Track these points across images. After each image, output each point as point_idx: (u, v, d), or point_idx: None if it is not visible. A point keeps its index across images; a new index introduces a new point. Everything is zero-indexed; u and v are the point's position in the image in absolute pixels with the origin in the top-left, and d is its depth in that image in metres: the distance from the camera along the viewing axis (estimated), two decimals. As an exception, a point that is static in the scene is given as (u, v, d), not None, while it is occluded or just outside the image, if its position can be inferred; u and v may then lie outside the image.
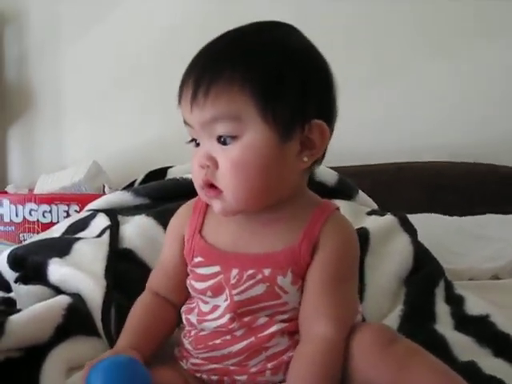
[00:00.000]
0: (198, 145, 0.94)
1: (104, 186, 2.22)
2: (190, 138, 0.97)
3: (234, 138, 0.90)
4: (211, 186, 0.92)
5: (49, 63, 2.62)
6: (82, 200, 1.95)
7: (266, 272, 0.94)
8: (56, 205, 2.10)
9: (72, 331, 1.07)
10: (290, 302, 0.94)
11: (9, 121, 2.67)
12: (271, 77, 0.90)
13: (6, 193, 2.29)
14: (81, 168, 2.31)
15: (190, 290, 1.01)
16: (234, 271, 0.95)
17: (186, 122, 0.94)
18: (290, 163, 0.93)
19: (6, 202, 2.12)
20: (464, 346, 1.12)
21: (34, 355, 1.01)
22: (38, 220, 2.09)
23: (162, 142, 2.41)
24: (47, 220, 2.05)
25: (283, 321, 0.95)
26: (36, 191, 2.28)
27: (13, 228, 2.09)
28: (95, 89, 2.58)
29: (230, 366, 0.95)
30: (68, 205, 2.07)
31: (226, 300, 0.95)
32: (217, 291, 0.96)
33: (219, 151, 0.91)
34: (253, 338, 0.94)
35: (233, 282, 0.95)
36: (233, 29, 0.97)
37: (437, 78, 2.40)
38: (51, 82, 2.64)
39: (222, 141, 0.90)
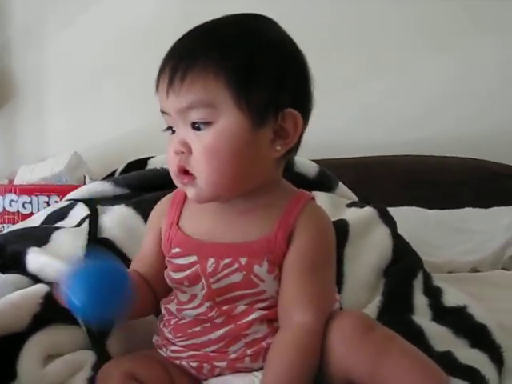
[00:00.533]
0: (173, 132, 0.96)
1: (85, 177, 2.21)
2: (166, 126, 0.98)
3: (207, 123, 0.91)
4: (185, 172, 0.94)
5: (31, 53, 2.58)
6: (63, 191, 1.93)
7: (243, 261, 0.95)
8: (36, 196, 2.09)
9: (50, 319, 1.06)
10: (267, 290, 0.95)
11: (-10, 111, 2.64)
12: (246, 65, 0.92)
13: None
14: (61, 159, 2.30)
15: (168, 281, 1.02)
16: (211, 260, 0.96)
17: (162, 111, 0.96)
18: (263, 151, 0.94)
19: (-14, 192, 2.11)
20: (441, 337, 1.13)
21: (11, 343, 1.00)
22: (18, 211, 2.07)
23: (143, 132, 2.38)
24: (27, 211, 2.03)
25: (262, 309, 0.95)
26: (16, 182, 2.26)
27: (-7, 218, 2.08)
28: (77, 79, 2.55)
29: (209, 353, 0.96)
30: (48, 196, 2.05)
31: (203, 289, 0.96)
32: (193, 280, 0.97)
33: (193, 137, 0.92)
34: (232, 325, 0.95)
35: (209, 270, 0.96)
36: (210, 20, 0.98)
37: (426, 73, 2.40)
38: (33, 72, 2.59)
39: (196, 127, 0.92)
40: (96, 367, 1.00)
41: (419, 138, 2.35)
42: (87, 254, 1.19)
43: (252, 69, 0.92)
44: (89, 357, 1.04)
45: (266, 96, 0.92)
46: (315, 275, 0.94)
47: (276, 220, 0.96)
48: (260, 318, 0.95)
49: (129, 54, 2.48)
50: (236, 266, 0.95)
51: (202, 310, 0.97)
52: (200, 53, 0.92)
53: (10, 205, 2.07)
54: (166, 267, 1.03)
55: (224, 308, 0.96)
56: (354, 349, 0.88)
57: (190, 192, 0.95)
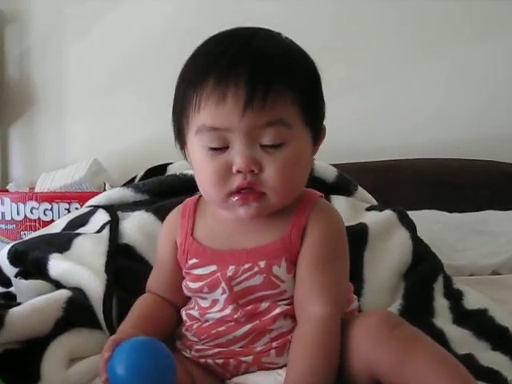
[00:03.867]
0: (220, 150, 0.93)
1: (105, 184, 2.22)
2: (203, 143, 0.94)
3: (282, 143, 0.93)
4: (249, 190, 0.93)
5: (51, 61, 2.61)
6: (83, 198, 1.94)
7: (262, 264, 0.97)
8: (57, 203, 2.10)
9: (73, 324, 1.08)
10: (288, 290, 0.97)
11: (10, 119, 2.66)
12: (311, 84, 0.97)
13: (7, 191, 2.29)
14: (81, 166, 2.31)
15: (185, 291, 1.03)
16: (231, 268, 0.98)
17: (213, 127, 0.92)
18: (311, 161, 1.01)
19: (7, 200, 2.12)
20: (462, 340, 1.13)
21: (35, 347, 1.02)
22: (39, 218, 2.08)
23: (162, 139, 2.37)
24: (48, 218, 2.04)
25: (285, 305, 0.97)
26: (37, 189, 2.27)
27: (14, 226, 2.09)
28: (96, 87, 2.57)
29: (235, 349, 0.98)
30: (69, 203, 2.06)
31: (224, 293, 0.98)
32: (212, 286, 0.99)
33: (264, 155, 0.92)
34: (257, 321, 0.96)
35: (229, 275, 0.97)
36: (238, 32, 0.98)
37: (448, 74, 2.39)
38: (53, 81, 2.62)
39: (270, 145, 0.92)
40: None
41: (438, 140, 2.34)
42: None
43: (313, 88, 0.98)
44: None
45: (321, 113, 1.00)
46: (326, 267, 0.96)
47: (289, 221, 0.98)
48: (283, 312, 0.96)
49: (148, 61, 2.50)
50: (256, 269, 0.96)
51: (227, 312, 0.98)
52: (277, 69, 0.92)
53: (32, 212, 2.09)
54: (183, 278, 1.04)
55: (248, 308, 0.97)
56: (380, 345, 0.88)
57: (249, 209, 0.95)
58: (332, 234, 0.99)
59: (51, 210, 2.09)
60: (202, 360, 1.00)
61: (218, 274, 0.98)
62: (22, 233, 2.06)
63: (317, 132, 0.99)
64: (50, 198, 2.11)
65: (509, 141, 2.34)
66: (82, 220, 1.44)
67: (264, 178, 0.92)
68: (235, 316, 0.97)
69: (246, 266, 0.97)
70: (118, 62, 2.53)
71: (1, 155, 2.68)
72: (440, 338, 1.12)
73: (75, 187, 2.24)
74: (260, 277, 0.96)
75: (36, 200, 2.10)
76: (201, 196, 1.08)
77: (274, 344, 0.96)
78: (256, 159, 0.92)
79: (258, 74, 0.90)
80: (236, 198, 0.94)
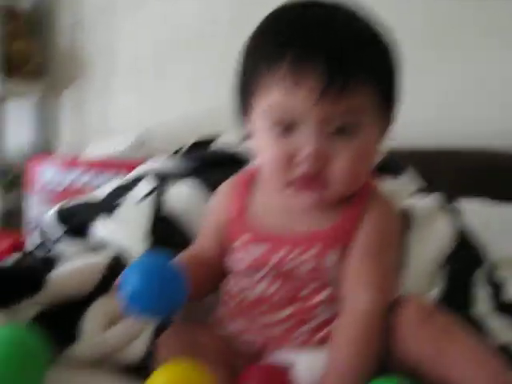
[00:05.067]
0: (287, 133, 0.91)
1: (152, 156, 2.22)
2: (269, 124, 0.91)
3: (355, 130, 0.90)
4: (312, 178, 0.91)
5: (102, 33, 2.65)
6: (130, 167, 1.95)
7: (314, 250, 0.95)
8: (104, 171, 2.14)
9: (110, 285, 1.08)
10: (334, 280, 0.95)
11: (61, 88, 2.72)
12: (391, 75, 0.94)
13: (54, 158, 2.33)
14: (128, 137, 2.35)
15: (233, 267, 1.02)
16: (283, 249, 0.96)
17: (282, 109, 0.90)
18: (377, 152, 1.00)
19: (54, 166, 2.16)
20: (502, 330, 1.11)
21: (74, 308, 1.04)
22: (84, 185, 2.13)
23: (211, 114, 2.40)
24: (94, 185, 2.05)
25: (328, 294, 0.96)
26: (85, 157, 2.32)
27: (59, 192, 2.12)
28: (146, 59, 2.59)
29: (274, 334, 0.96)
30: (115, 171, 2.09)
31: (269, 274, 0.96)
32: (260, 266, 0.97)
33: (333, 144, 0.89)
34: (298, 305, 0.95)
35: (280, 256, 0.96)
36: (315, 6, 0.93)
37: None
38: (103, 52, 2.66)
39: (341, 132, 0.90)
40: (157, 332, 1.01)
41: (495, 130, 2.28)
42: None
43: (393, 79, 0.95)
44: (147, 324, 1.05)
45: (395, 103, 0.96)
46: (377, 259, 0.95)
47: (345, 209, 0.96)
48: (326, 299, 0.95)
49: (198, 35, 2.49)
50: (307, 255, 0.95)
51: (269, 291, 0.96)
52: (362, 57, 0.89)
53: (78, 179, 2.14)
54: (225, 255, 1.03)
55: (291, 291, 0.96)
56: (413, 334, 0.88)
57: (310, 197, 0.93)
58: (386, 226, 0.97)
59: (97, 177, 2.13)
60: (239, 338, 0.98)
61: (269, 253, 0.96)
62: (67, 199, 2.08)
63: (388, 122, 0.97)
64: (97, 165, 2.15)
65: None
66: (127, 187, 1.43)
67: (330, 167, 0.90)
68: (276, 297, 0.96)
69: (298, 250, 0.95)
70: (168, 36, 2.54)
71: (51, 123, 2.74)
72: (478, 326, 1.10)
73: (122, 157, 2.26)
74: (310, 264, 0.95)
75: (83, 167, 2.15)
76: (255, 171, 1.06)
77: (317, 337, 0.94)
78: (325, 149, 0.89)
79: (339, 60, 0.86)
80: (296, 187, 0.93)
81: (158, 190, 1.36)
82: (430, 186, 1.56)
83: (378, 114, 0.93)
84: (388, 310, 0.91)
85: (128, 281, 0.86)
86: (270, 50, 0.90)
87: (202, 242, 1.08)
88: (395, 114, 0.98)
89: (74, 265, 1.07)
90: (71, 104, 2.73)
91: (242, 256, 0.99)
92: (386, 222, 0.98)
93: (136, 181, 1.45)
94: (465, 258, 1.30)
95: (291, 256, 0.95)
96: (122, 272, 0.89)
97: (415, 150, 2.12)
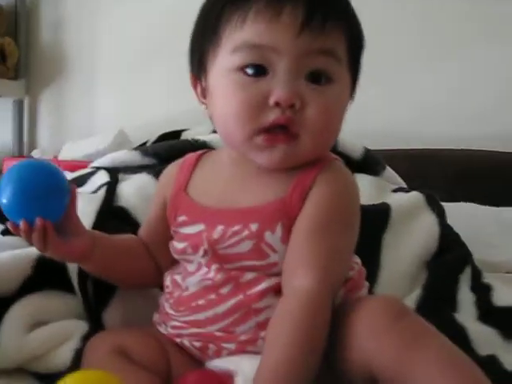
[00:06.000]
0: (257, 76, 0.82)
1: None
2: (242, 63, 0.83)
3: (328, 79, 0.83)
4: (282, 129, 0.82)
5: (84, 31, 2.58)
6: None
7: (253, 227, 0.84)
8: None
9: (42, 284, 0.98)
10: (279, 263, 0.83)
11: (41, 86, 2.65)
12: (359, 27, 0.89)
13: (31, 157, 2.27)
14: (107, 136, 2.25)
15: (172, 252, 0.93)
16: (218, 228, 0.86)
17: (259, 44, 0.81)
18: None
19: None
20: (486, 339, 1.01)
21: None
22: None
23: (192, 114, 2.32)
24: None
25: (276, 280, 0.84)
26: (60, 157, 2.24)
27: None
28: (128, 57, 2.52)
29: (215, 332, 0.85)
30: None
31: (206, 255, 0.86)
32: (196, 247, 0.87)
33: (308, 90, 0.82)
34: (241, 296, 0.83)
35: (215, 237, 0.85)
36: None
37: (490, 65, 2.25)
38: (85, 50, 2.59)
39: (315, 79, 0.82)
40: (86, 338, 0.93)
41: (481, 133, 2.19)
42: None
43: (361, 34, 0.89)
44: (79, 326, 0.96)
45: (360, 64, 0.90)
46: (325, 237, 0.81)
47: (292, 180, 0.84)
48: (273, 287, 0.82)
49: (181, 34, 2.40)
50: (245, 233, 0.84)
51: (209, 275, 0.85)
52: (336, 2, 0.85)
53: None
54: (172, 237, 0.94)
55: (232, 273, 0.84)
56: (379, 333, 0.75)
57: (277, 154, 0.83)
58: (338, 201, 0.84)
59: None
60: (178, 339, 0.88)
61: (204, 234, 0.86)
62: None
63: (354, 84, 0.90)
64: (73, 166, 2.05)
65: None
66: (81, 180, 1.34)
67: (304, 116, 0.81)
68: (217, 278, 0.84)
69: (236, 227, 0.84)
70: (151, 35, 2.47)
71: (29, 121, 2.68)
72: (461, 334, 1.00)
73: (99, 157, 2.18)
74: (249, 243, 0.83)
75: (61, 167, 2.05)
76: (205, 152, 0.98)
77: (262, 334, 0.81)
78: (299, 93, 0.81)
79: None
80: (264, 137, 0.82)
81: (113, 182, 1.28)
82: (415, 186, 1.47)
83: (350, 67, 0.86)
84: (351, 307, 0.79)
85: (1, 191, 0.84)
86: None
87: (147, 226, 1.02)
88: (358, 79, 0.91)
89: (0, 259, 0.96)
90: (51, 103, 2.66)
91: (179, 239, 0.91)
92: (340, 196, 0.85)
93: (92, 173, 1.37)
94: (448, 260, 1.20)
95: (226, 237, 0.85)
96: None
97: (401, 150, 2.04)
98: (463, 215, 1.54)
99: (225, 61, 0.84)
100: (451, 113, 2.23)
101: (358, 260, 0.94)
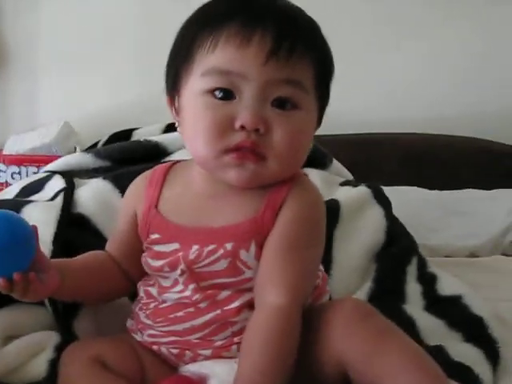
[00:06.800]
0: (225, 100, 0.86)
1: (75, 148, 2.14)
2: (209, 87, 0.86)
3: (294, 106, 0.86)
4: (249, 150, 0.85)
5: (23, 19, 2.49)
6: (52, 162, 1.87)
7: (228, 246, 0.88)
8: (25, 166, 2.07)
9: (11, 298, 0.95)
10: (253, 278, 0.88)
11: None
12: (329, 55, 0.92)
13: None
14: (52, 129, 2.24)
15: (146, 268, 0.95)
16: (194, 247, 0.89)
17: (226, 70, 0.85)
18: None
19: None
20: (433, 329, 1.07)
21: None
22: (6, 181, 2.05)
23: (137, 104, 2.33)
24: (16, 181, 1.95)
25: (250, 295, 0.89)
26: (5, 152, 2.20)
27: (-20, 189, 2.02)
28: (71, 46, 2.46)
29: (192, 340, 0.89)
30: (38, 166, 2.01)
31: (183, 274, 0.89)
32: (173, 266, 0.90)
33: (274, 116, 0.85)
34: (218, 311, 0.88)
35: (191, 257, 0.89)
36: None
37: (444, 47, 2.32)
38: (26, 39, 2.51)
39: (280, 105, 0.85)
40: (59, 348, 0.95)
41: (426, 116, 2.26)
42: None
43: (330, 60, 0.93)
44: (51, 337, 0.98)
45: (328, 95, 0.93)
46: (295, 254, 0.87)
47: (263, 199, 0.89)
48: (248, 302, 0.87)
49: (123, 23, 2.40)
50: (221, 252, 0.87)
51: (187, 293, 0.89)
52: (305, 26, 0.88)
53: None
54: (143, 251, 0.96)
55: (209, 292, 0.88)
56: (350, 333, 0.82)
57: (243, 173, 0.86)
58: (307, 217, 0.89)
59: (19, 173, 2.07)
60: (155, 347, 0.91)
61: (180, 253, 0.89)
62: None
63: (322, 111, 0.93)
64: (19, 160, 2.08)
65: (499, 119, 2.27)
66: (37, 186, 1.35)
67: (269, 139, 0.84)
68: (194, 298, 0.88)
69: (211, 247, 0.88)
70: (94, 23, 2.42)
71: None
72: (410, 326, 1.05)
73: (45, 150, 2.17)
74: (224, 261, 0.87)
75: (4, 163, 2.07)
76: (173, 164, 1.00)
77: (236, 339, 0.86)
78: (265, 118, 0.84)
79: (286, 28, 0.85)
80: (232, 156, 0.85)
81: (69, 188, 1.28)
82: (366, 174, 1.52)
83: (315, 98, 0.89)
84: (320, 311, 0.86)
85: None
86: (213, 16, 0.88)
87: (116, 241, 1.02)
88: (327, 105, 0.95)
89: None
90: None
91: (153, 257, 0.93)
92: (309, 211, 0.89)
93: (47, 179, 1.37)
94: (396, 252, 1.25)
95: (203, 257, 0.88)
96: None
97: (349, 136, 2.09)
98: (404, 199, 1.59)
99: (196, 83, 0.87)
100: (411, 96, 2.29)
101: (321, 267, 0.99)
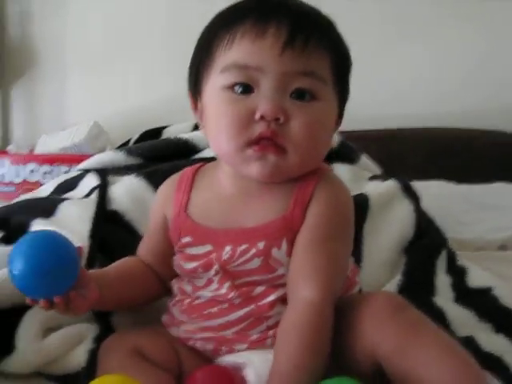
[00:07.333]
0: (244, 94, 0.87)
1: (106, 148, 2.17)
2: (228, 83, 0.88)
3: (313, 97, 0.87)
4: (270, 141, 0.86)
5: (52, 20, 2.54)
6: (83, 161, 1.89)
7: (260, 245, 0.89)
8: (57, 165, 2.08)
9: None
10: (286, 274, 0.89)
11: (11, 80, 2.61)
12: (344, 47, 0.93)
13: (6, 153, 2.25)
14: (82, 129, 2.27)
15: (178, 271, 0.97)
16: (227, 248, 0.91)
17: (245, 64, 0.86)
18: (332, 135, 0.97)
19: (6, 162, 2.09)
20: (463, 320, 1.07)
21: (10, 316, 0.96)
22: (38, 181, 2.05)
23: (166, 103, 2.35)
24: (48, 181, 1.98)
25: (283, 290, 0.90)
26: (37, 151, 2.24)
27: (13, 188, 2.06)
28: (99, 48, 2.51)
29: (228, 336, 0.90)
30: (69, 165, 2.02)
31: (218, 274, 0.91)
32: (207, 267, 0.92)
33: (293, 107, 0.86)
34: (253, 306, 0.89)
35: (225, 258, 0.90)
36: None
37: (458, 45, 2.32)
38: (55, 40, 2.56)
39: (299, 96, 0.87)
40: (99, 339, 0.97)
41: (452, 110, 2.26)
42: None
43: (347, 56, 0.94)
44: (90, 329, 1.00)
45: (348, 88, 0.94)
46: (324, 247, 0.88)
47: (292, 196, 0.90)
48: (281, 297, 0.89)
49: (153, 22, 2.43)
50: (253, 251, 0.89)
51: (222, 291, 0.91)
52: (319, 20, 0.90)
53: (31, 174, 2.06)
54: (174, 254, 0.98)
55: (244, 289, 0.90)
56: (382, 326, 0.82)
57: (265, 166, 0.87)
58: (335, 212, 0.90)
59: (51, 172, 2.07)
60: (191, 342, 0.93)
61: (213, 255, 0.91)
62: (21, 196, 2.01)
63: (342, 105, 0.94)
64: (50, 160, 2.09)
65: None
66: (71, 184, 1.38)
67: (289, 130, 0.85)
68: (230, 295, 0.90)
69: (244, 246, 0.89)
70: (122, 23, 2.47)
71: (2, 116, 2.63)
72: (440, 317, 1.06)
73: (75, 150, 2.21)
74: (257, 260, 0.89)
75: (36, 162, 2.08)
76: (200, 166, 1.01)
77: (271, 333, 0.88)
78: (283, 108, 0.85)
79: (301, 21, 0.86)
80: (254, 148, 0.86)
81: (103, 185, 1.31)
82: (391, 169, 1.53)
83: (335, 89, 0.90)
84: (352, 304, 0.87)
85: (12, 263, 0.83)
86: (230, 16, 0.90)
87: (147, 244, 1.04)
88: (347, 100, 0.95)
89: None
90: (23, 97, 2.63)
91: (185, 259, 0.95)
92: (336, 206, 0.90)
93: (81, 176, 1.40)
94: (425, 246, 1.26)
95: (236, 257, 0.90)
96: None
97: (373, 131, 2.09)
98: (433, 193, 1.60)
99: (216, 80, 0.89)
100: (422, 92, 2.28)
101: (351, 258, 0.99)
